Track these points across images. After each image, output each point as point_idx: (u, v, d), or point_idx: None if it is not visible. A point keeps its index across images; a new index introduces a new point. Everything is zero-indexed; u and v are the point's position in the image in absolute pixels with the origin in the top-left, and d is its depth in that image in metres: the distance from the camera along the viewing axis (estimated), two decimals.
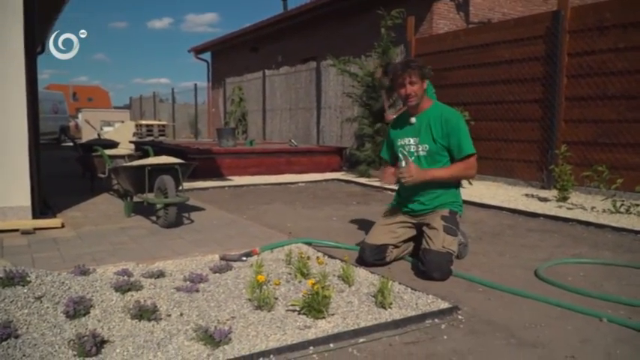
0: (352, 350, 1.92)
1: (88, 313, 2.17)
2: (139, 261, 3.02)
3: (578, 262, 3.17)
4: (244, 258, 3.10)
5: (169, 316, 2.19)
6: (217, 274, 2.80)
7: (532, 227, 4.28)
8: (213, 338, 1.89)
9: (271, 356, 1.83)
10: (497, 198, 5.71)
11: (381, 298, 2.30)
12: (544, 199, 5.58)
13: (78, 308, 2.13)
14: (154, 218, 4.27)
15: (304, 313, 2.18)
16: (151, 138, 15.14)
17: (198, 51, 19.36)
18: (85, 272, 2.66)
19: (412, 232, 3.17)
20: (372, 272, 2.83)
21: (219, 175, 8.04)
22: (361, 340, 2.00)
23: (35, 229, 3.85)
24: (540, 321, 2.23)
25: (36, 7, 4.30)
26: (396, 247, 3.10)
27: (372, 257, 3.02)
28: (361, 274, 2.81)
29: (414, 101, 3.08)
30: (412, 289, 2.54)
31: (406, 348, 1.96)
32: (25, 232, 3.78)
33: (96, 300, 2.28)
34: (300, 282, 2.64)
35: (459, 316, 2.26)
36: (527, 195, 5.93)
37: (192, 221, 4.31)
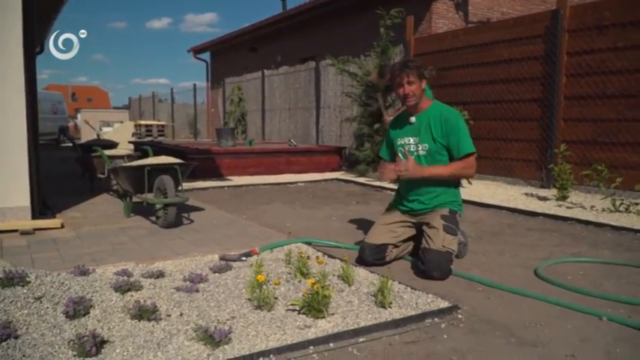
0: (352, 350, 1.92)
1: (88, 313, 2.16)
2: (139, 261, 3.02)
3: (578, 261, 3.18)
4: (244, 258, 3.10)
5: (169, 316, 2.19)
6: (217, 274, 2.80)
7: (531, 226, 4.28)
8: (213, 338, 1.89)
9: (271, 356, 1.83)
10: (497, 197, 5.71)
11: (380, 298, 2.31)
12: (543, 198, 5.58)
13: (78, 308, 2.13)
14: (153, 218, 4.27)
15: (304, 313, 2.18)
16: (150, 138, 15.12)
17: (197, 51, 19.35)
18: (84, 272, 2.65)
19: (412, 232, 3.17)
20: (371, 272, 2.83)
21: (218, 175, 8.04)
22: (361, 339, 2.00)
23: (34, 229, 3.85)
24: (540, 320, 2.23)
25: (35, 7, 4.29)
26: (395, 246, 3.10)
27: (371, 257, 3.02)
28: (361, 273, 2.81)
29: (413, 101, 3.09)
30: (412, 288, 2.54)
31: (406, 347, 1.96)
32: (25, 233, 3.78)
33: (96, 300, 2.27)
34: (299, 282, 2.64)
35: (459, 316, 2.27)
36: (526, 194, 5.94)
37: (192, 221, 4.31)
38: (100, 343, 1.85)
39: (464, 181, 5.95)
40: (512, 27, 6.85)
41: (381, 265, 3.01)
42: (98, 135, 9.12)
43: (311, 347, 1.91)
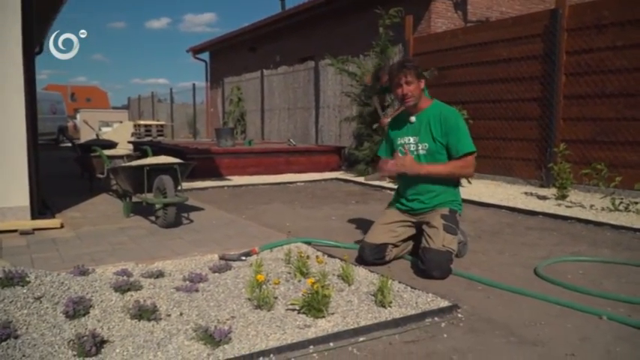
0: (352, 349, 1.92)
1: (88, 313, 2.16)
2: (139, 261, 3.02)
3: (578, 260, 3.18)
4: (243, 257, 3.10)
5: (169, 315, 2.19)
6: (217, 274, 2.80)
7: (531, 225, 4.29)
8: (213, 338, 1.89)
9: (271, 355, 1.83)
10: (497, 196, 5.71)
11: (380, 297, 2.30)
12: (543, 198, 5.58)
13: (77, 308, 2.13)
14: (152, 218, 4.26)
15: (304, 313, 2.18)
16: (149, 138, 15.10)
17: (196, 51, 19.35)
18: (84, 272, 2.65)
19: (412, 231, 3.17)
20: (371, 271, 2.83)
21: (217, 175, 8.04)
22: (361, 339, 2.00)
23: (34, 229, 3.85)
24: (540, 319, 2.23)
25: (34, 8, 4.29)
26: (395, 246, 3.10)
27: (371, 256, 3.02)
28: (361, 273, 2.81)
29: (412, 101, 3.09)
30: (412, 287, 2.54)
31: (406, 347, 1.96)
32: (24, 233, 3.77)
33: (95, 300, 2.27)
34: (299, 281, 2.64)
35: (459, 315, 2.27)
36: (526, 193, 5.94)
37: (192, 221, 4.31)
38: (99, 343, 1.85)
39: (463, 181, 5.95)
40: (511, 26, 6.85)
41: (380, 265, 3.01)
42: (97, 135, 9.12)
43: (311, 347, 1.91)
